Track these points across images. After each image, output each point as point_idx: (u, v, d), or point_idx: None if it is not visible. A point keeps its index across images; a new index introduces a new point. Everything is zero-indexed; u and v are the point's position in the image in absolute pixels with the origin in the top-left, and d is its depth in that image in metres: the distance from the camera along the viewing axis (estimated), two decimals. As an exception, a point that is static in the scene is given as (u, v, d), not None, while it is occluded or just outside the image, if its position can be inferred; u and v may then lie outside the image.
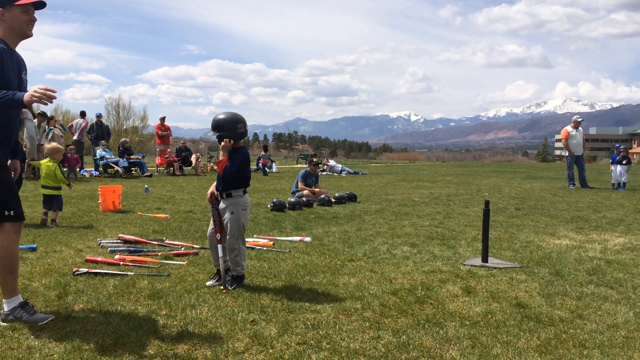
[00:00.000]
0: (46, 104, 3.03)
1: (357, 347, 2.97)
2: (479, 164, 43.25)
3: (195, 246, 5.57)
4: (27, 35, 3.31)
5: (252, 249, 5.51)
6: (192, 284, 4.14)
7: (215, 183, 4.27)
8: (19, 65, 3.34)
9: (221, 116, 4.14)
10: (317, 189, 10.51)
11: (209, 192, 4.28)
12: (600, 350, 2.95)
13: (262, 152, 22.61)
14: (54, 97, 2.93)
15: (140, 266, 4.68)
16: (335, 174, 20.58)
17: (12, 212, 3.21)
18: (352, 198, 10.33)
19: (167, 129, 18.79)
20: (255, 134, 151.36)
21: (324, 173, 20.71)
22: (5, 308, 3.29)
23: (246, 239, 6.00)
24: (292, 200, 9.10)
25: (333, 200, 9.84)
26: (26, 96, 2.97)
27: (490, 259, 5.13)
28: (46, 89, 2.94)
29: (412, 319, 3.43)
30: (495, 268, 4.86)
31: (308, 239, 6.12)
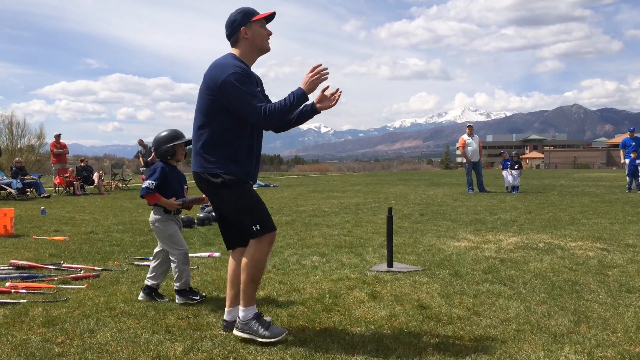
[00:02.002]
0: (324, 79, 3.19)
1: (265, 359, 2.96)
2: (387, 173, 44.69)
3: (96, 268, 5.31)
4: (267, 49, 3.33)
5: (158, 267, 5.34)
6: (92, 308, 3.94)
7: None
8: (258, 83, 3.33)
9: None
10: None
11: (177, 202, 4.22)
12: (493, 344, 3.14)
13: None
14: (326, 73, 3.14)
15: (34, 293, 4.38)
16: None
17: (258, 226, 3.21)
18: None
19: (63, 146, 17.83)
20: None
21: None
22: (241, 315, 3.26)
23: (151, 258, 5.83)
24: (202, 215, 8.92)
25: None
26: (304, 85, 3.16)
27: (395, 263, 5.31)
28: (315, 69, 3.16)
29: (319, 327, 3.48)
30: (399, 272, 5.03)
31: (217, 254, 6.03)
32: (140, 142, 19.38)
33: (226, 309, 3.44)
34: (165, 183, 4.16)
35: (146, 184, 4.10)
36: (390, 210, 5.45)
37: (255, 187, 20.21)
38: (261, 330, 3.19)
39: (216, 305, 3.98)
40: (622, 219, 8.85)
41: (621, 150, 16.07)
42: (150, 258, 5.79)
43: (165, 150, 4.20)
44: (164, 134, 4.27)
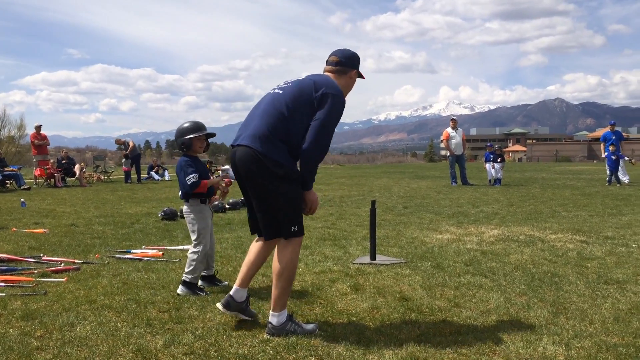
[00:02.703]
0: None
1: (246, 352, 2.96)
2: (371, 166, 44.78)
3: (76, 261, 5.25)
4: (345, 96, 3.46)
5: (140, 260, 5.31)
6: (72, 301, 3.90)
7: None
8: None
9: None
10: (210, 196, 10.33)
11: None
12: (473, 335, 3.17)
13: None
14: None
15: (13, 286, 4.32)
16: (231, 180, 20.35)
17: (296, 227, 3.24)
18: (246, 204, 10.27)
19: (44, 137, 17.59)
20: (147, 141, 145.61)
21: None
22: (275, 321, 3.23)
23: (134, 250, 5.79)
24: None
25: (227, 206, 9.73)
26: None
27: (378, 256, 5.33)
28: None
29: (301, 319, 3.48)
30: (382, 265, 5.06)
31: (199, 247, 6.00)
32: (117, 141, 19.19)
33: (235, 287, 3.43)
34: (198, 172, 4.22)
35: (191, 178, 4.12)
36: (373, 203, 5.47)
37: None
38: (299, 330, 3.21)
39: (197, 298, 3.97)
40: (601, 211, 8.98)
41: (602, 144, 16.28)
42: (132, 251, 5.76)
43: (182, 142, 4.23)
44: (186, 125, 4.27)
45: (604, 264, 4.99)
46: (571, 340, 3.06)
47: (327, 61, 3.51)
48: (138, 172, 18.89)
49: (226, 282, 4.42)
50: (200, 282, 4.29)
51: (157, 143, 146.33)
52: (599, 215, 8.51)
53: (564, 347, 2.97)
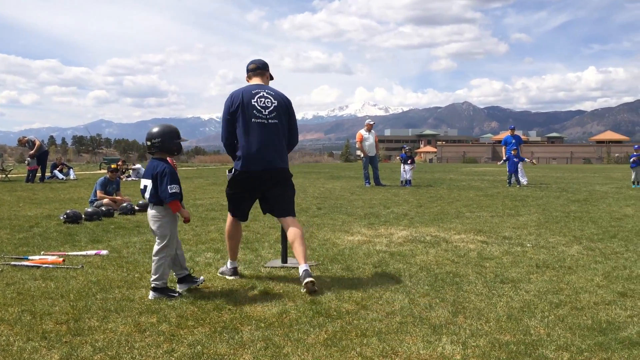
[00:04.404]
0: None
1: (149, 363, 2.87)
2: (288, 165, 44.91)
3: (-36, 270, 4.86)
4: None
5: (38, 267, 5.00)
6: (-43, 315, 3.61)
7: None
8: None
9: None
10: (118, 197, 9.93)
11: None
12: (378, 337, 3.27)
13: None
14: None
15: None
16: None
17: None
18: (157, 205, 9.98)
19: None
20: (52, 137, 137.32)
21: (130, 179, 19.65)
22: (308, 266, 4.42)
23: (31, 257, 5.45)
24: (90, 210, 8.46)
25: (137, 208, 9.40)
26: None
27: (289, 259, 5.36)
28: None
29: (209, 327, 3.43)
30: (293, 268, 5.08)
31: (105, 252, 5.75)
32: (20, 141, 17.92)
33: (232, 261, 4.81)
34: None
35: (174, 189, 4.08)
36: (285, 206, 5.48)
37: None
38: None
39: (99, 308, 3.80)
40: (501, 212, 9.55)
41: (503, 147, 17.32)
42: (30, 257, 5.41)
43: (175, 145, 4.23)
44: (172, 128, 4.29)
45: (500, 264, 5.32)
46: (468, 339, 3.23)
47: (259, 69, 4.84)
48: (43, 171, 17.78)
49: (202, 278, 4.51)
50: (178, 286, 4.30)
51: (63, 139, 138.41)
52: (499, 215, 9.05)
53: (461, 346, 3.13)
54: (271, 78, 4.92)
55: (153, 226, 4.21)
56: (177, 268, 4.33)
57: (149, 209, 4.26)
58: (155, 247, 4.17)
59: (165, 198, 4.10)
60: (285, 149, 4.72)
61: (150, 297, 4.05)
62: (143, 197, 4.32)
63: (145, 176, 4.24)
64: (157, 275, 4.09)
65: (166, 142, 4.19)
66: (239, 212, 4.80)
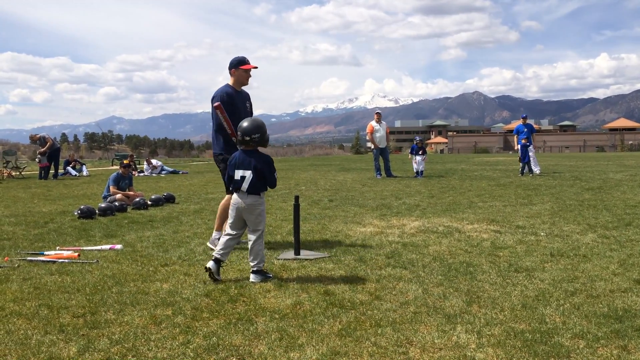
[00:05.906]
0: None
1: (165, 355, 2.90)
2: (299, 158, 44.92)
3: (-18, 266, 4.93)
4: (246, 84, 5.88)
5: (54, 262, 5.06)
6: (-24, 309, 3.66)
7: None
8: (244, 99, 5.88)
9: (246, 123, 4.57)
10: (131, 192, 10.00)
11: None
12: (392, 327, 3.27)
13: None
14: None
15: None
16: (154, 175, 19.77)
17: None
18: (169, 199, 10.03)
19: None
20: (64, 134, 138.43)
21: (142, 174, 19.79)
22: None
23: (47, 252, 5.51)
24: (103, 205, 8.53)
25: (149, 202, 9.45)
26: None
27: (302, 251, 5.37)
28: None
29: (223, 319, 3.45)
30: (306, 260, 5.10)
31: (119, 246, 5.80)
32: (32, 138, 18.08)
33: (218, 231, 5.61)
34: None
35: (276, 176, 4.64)
36: (297, 198, 5.50)
37: (163, 173, 19.29)
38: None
39: (114, 301, 3.84)
40: (514, 201, 9.49)
41: (514, 136, 17.17)
42: (45, 253, 5.48)
43: (268, 137, 4.60)
44: (263, 122, 4.60)
45: (514, 253, 5.29)
46: (482, 328, 3.23)
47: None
48: (56, 167, 17.92)
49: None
50: (210, 264, 4.38)
51: (75, 136, 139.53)
52: (512, 205, 8.99)
53: (475, 335, 3.12)
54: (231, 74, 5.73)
55: (251, 215, 4.47)
56: (227, 252, 4.52)
57: (242, 199, 4.46)
58: (252, 236, 4.46)
59: (272, 186, 4.58)
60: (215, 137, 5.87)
61: (251, 279, 4.35)
62: (234, 188, 4.54)
63: (240, 167, 4.50)
64: (258, 260, 4.41)
65: (263, 136, 4.52)
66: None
